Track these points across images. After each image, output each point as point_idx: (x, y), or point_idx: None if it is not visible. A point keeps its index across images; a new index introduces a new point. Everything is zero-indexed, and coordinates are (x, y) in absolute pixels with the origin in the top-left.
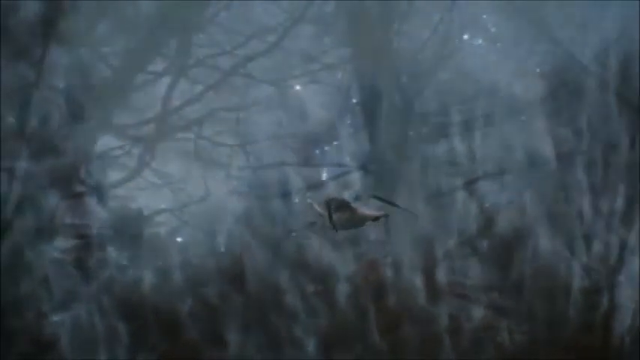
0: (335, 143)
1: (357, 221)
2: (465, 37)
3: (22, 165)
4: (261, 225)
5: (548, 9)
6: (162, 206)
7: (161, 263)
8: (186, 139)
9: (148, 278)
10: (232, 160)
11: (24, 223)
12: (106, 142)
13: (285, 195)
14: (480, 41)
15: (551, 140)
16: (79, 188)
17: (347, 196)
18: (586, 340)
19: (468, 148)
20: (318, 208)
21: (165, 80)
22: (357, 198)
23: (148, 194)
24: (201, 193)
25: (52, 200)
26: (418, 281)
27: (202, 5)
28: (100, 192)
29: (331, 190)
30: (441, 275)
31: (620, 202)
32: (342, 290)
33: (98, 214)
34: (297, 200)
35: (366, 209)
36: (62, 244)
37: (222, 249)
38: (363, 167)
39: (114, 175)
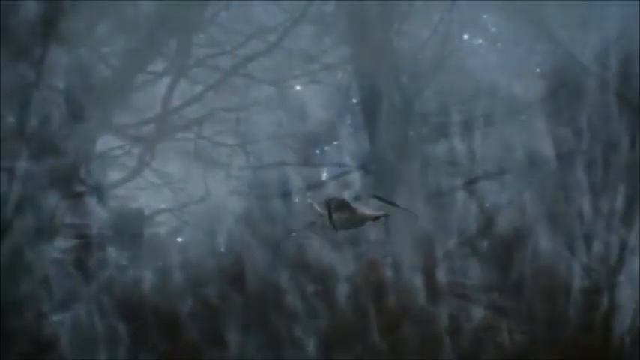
0: (335, 143)
1: (357, 221)
2: (465, 37)
3: (23, 165)
4: (262, 225)
5: (548, 9)
6: (163, 206)
7: (161, 263)
8: (187, 139)
9: (148, 278)
10: (232, 160)
11: (24, 223)
12: (106, 142)
13: (285, 195)
14: (480, 41)
15: (552, 140)
16: (79, 188)
17: (347, 196)
18: (586, 340)
19: (468, 148)
20: (318, 208)
21: (166, 80)
22: (356, 198)
23: (148, 194)
24: (202, 193)
25: (52, 200)
26: (418, 281)
27: (202, 5)
28: (100, 192)
29: (331, 190)
30: (441, 275)
31: (620, 202)
32: (343, 290)
33: (98, 214)
34: (297, 200)
35: (366, 209)
36: (62, 244)
37: (223, 249)
38: (363, 167)
39: (114, 175)
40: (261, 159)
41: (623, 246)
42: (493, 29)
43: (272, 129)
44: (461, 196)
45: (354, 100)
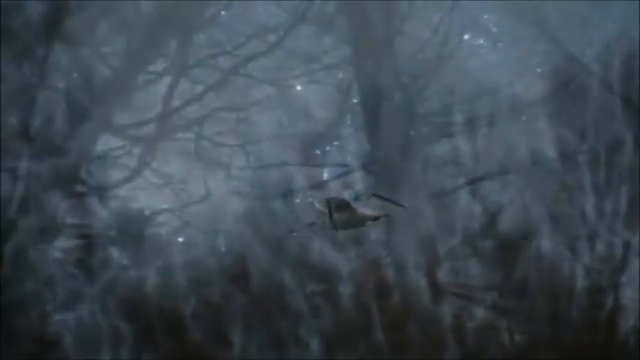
0: (336, 143)
1: (357, 221)
2: (466, 37)
3: (25, 165)
4: (263, 225)
5: (548, 9)
6: (163, 206)
7: (162, 263)
8: (187, 139)
9: (150, 278)
10: (233, 160)
11: (27, 223)
12: (107, 142)
13: (286, 195)
14: (481, 41)
15: (553, 140)
16: (81, 188)
17: (347, 195)
18: (589, 340)
19: (470, 148)
20: (319, 206)
21: (166, 80)
22: (356, 198)
23: (149, 194)
24: (202, 193)
25: (55, 200)
26: (420, 281)
27: (203, 5)
28: (101, 192)
29: (332, 190)
30: (444, 275)
31: (622, 202)
32: (344, 290)
33: (100, 214)
34: (298, 200)
35: (366, 209)
36: (64, 244)
37: (224, 249)
38: (364, 167)
39: (114, 175)
40: (262, 159)
41: (626, 246)
42: (494, 29)
43: (272, 129)
44: (463, 195)
45: (355, 100)
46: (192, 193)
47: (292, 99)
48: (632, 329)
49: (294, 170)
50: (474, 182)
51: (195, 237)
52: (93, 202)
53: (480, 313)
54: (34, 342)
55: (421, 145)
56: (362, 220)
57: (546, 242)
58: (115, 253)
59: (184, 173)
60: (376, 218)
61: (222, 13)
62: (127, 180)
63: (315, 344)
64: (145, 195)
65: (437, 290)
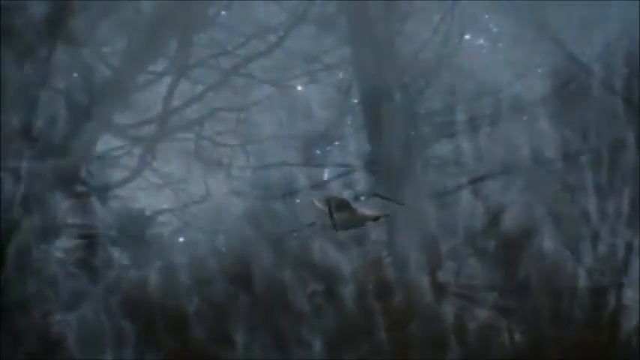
0: (336, 143)
1: (357, 221)
2: (467, 37)
3: (28, 165)
4: (263, 225)
5: (549, 9)
6: (164, 206)
7: (163, 263)
8: (187, 139)
9: (152, 278)
10: (233, 160)
11: (30, 223)
12: (107, 142)
13: (287, 195)
14: (482, 41)
15: (555, 140)
16: (83, 188)
17: (347, 195)
18: (592, 341)
19: (471, 147)
20: (319, 205)
21: (166, 80)
22: (356, 198)
23: (149, 194)
24: (202, 193)
25: (56, 200)
26: (422, 281)
27: (203, 5)
28: (102, 192)
29: (333, 190)
30: (446, 275)
31: (624, 202)
32: (345, 290)
33: (101, 215)
34: (298, 200)
35: (366, 209)
36: (67, 244)
37: (225, 249)
38: (365, 167)
39: (115, 175)
40: (262, 159)
41: (629, 247)
42: (495, 29)
43: (273, 129)
44: (464, 195)
45: (355, 100)
46: (192, 193)
47: (292, 99)
48: (635, 329)
49: (295, 170)
50: (475, 182)
51: (196, 237)
52: (94, 202)
53: (482, 313)
54: (37, 342)
55: (422, 145)
56: (362, 220)
57: (548, 242)
58: (116, 253)
59: (184, 173)
60: (376, 218)
61: (223, 13)
62: (127, 180)
63: (316, 344)
64: (145, 195)
65: (438, 290)
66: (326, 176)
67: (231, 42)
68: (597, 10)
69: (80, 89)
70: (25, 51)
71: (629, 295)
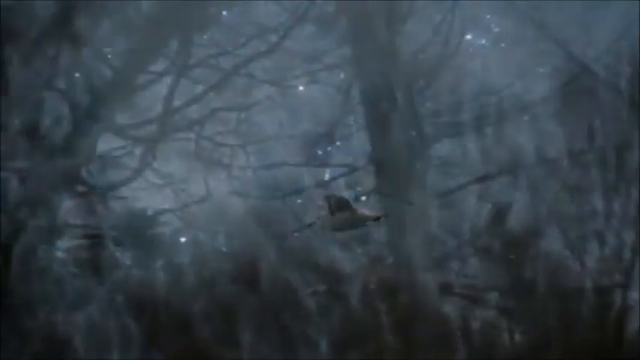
0: (337, 143)
1: (357, 221)
2: (468, 37)
3: (32, 165)
4: (264, 225)
5: (550, 9)
6: (165, 206)
7: (165, 263)
8: (188, 139)
9: (155, 278)
10: (234, 160)
11: (35, 223)
12: (108, 142)
13: (288, 195)
14: (483, 41)
15: (558, 140)
16: (87, 188)
17: (347, 195)
18: (597, 341)
19: (473, 147)
20: (320, 203)
21: (167, 80)
22: (357, 198)
23: (150, 194)
24: (203, 193)
25: (61, 201)
26: (425, 281)
27: (204, 5)
28: (103, 192)
29: (334, 190)
30: (449, 274)
31: (630, 202)
32: (346, 290)
33: (102, 215)
34: (299, 200)
35: (366, 209)
36: (69, 244)
37: (226, 249)
38: (366, 167)
39: (117, 176)
40: (263, 159)
41: (635, 247)
42: (496, 29)
43: (274, 129)
44: (466, 195)
45: (356, 100)
46: (193, 193)
47: (293, 99)
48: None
49: (296, 170)
50: (477, 182)
51: (197, 237)
52: (95, 202)
53: (488, 312)
54: (43, 341)
55: (423, 145)
56: (362, 220)
57: (552, 242)
58: (118, 253)
59: (185, 173)
60: (377, 218)
61: (224, 13)
62: (128, 180)
63: (320, 344)
64: (146, 195)
65: (443, 290)
66: (327, 176)
67: (231, 42)
68: (599, 10)
69: (82, 89)
70: (29, 51)
71: (634, 295)
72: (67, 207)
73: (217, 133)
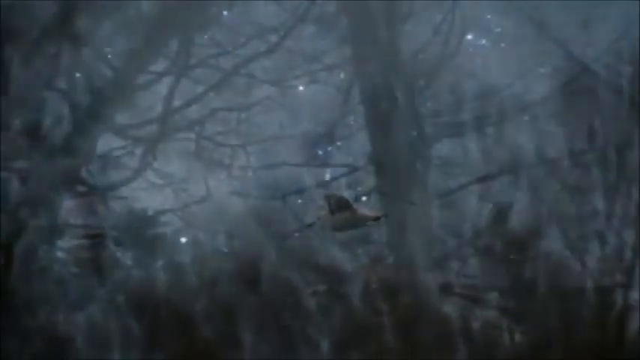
0: (338, 143)
1: (357, 221)
2: (469, 37)
3: (33, 165)
4: (264, 225)
5: (550, 9)
6: (165, 206)
7: (166, 263)
8: (188, 139)
9: (156, 278)
10: (234, 161)
11: (36, 223)
12: (109, 142)
13: (289, 195)
14: (484, 41)
15: (558, 140)
16: (88, 189)
17: (347, 195)
18: (598, 341)
19: (474, 147)
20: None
21: (167, 80)
22: (357, 199)
23: (151, 194)
24: (203, 193)
25: (61, 201)
26: (427, 281)
27: (204, 5)
28: (104, 192)
29: (334, 190)
30: (450, 274)
31: (631, 202)
32: (346, 290)
33: (103, 215)
34: (300, 201)
35: (366, 209)
36: (71, 244)
37: (226, 249)
38: (366, 167)
39: (117, 176)
40: (263, 159)
41: (635, 247)
42: (497, 29)
43: (274, 129)
44: (467, 195)
45: (357, 100)
46: (193, 193)
47: (293, 99)
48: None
49: (296, 170)
50: (478, 182)
51: (197, 237)
52: (95, 202)
53: (486, 313)
54: (44, 342)
55: (423, 144)
56: (362, 220)
57: (553, 242)
58: (119, 253)
59: (185, 173)
60: (377, 218)
61: (225, 13)
62: (128, 180)
63: (318, 344)
64: (146, 195)
65: (442, 290)
66: (328, 176)
67: (231, 42)
68: (600, 10)
69: (82, 89)
70: (30, 51)
71: (634, 296)
72: (68, 207)
73: (217, 133)
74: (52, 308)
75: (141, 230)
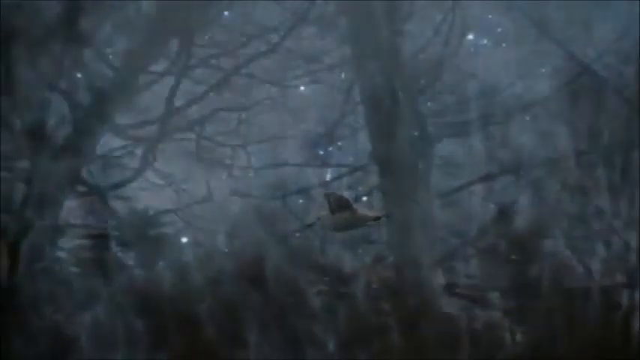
0: (338, 143)
1: (357, 221)
2: (470, 37)
3: (30, 166)
4: (266, 225)
5: (551, 8)
6: (166, 207)
7: (168, 263)
8: (189, 139)
9: (158, 278)
10: (235, 161)
11: (41, 223)
12: (110, 142)
13: (289, 195)
14: (485, 41)
15: (560, 139)
16: (88, 189)
17: (347, 195)
18: (604, 341)
19: (474, 147)
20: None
21: (167, 80)
22: (357, 199)
23: (151, 194)
24: (204, 193)
25: (59, 201)
26: (428, 281)
27: (205, 6)
28: (107, 192)
29: (335, 190)
30: (452, 274)
31: (635, 202)
32: (349, 290)
33: (107, 215)
34: (301, 201)
35: (367, 209)
36: (74, 244)
37: (227, 249)
38: (367, 167)
39: (117, 176)
40: (264, 159)
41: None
42: (498, 29)
43: (274, 129)
44: (468, 195)
45: (357, 100)
46: (194, 193)
47: (294, 99)
48: None
49: (297, 170)
50: (479, 182)
51: (198, 237)
52: (97, 202)
53: (489, 313)
54: (49, 342)
55: (425, 144)
56: (362, 220)
57: (556, 242)
58: (121, 253)
59: (186, 173)
60: (377, 218)
61: (225, 13)
62: (129, 180)
63: (322, 343)
64: (147, 195)
65: (445, 290)
66: (329, 176)
67: (232, 42)
68: (600, 10)
69: (84, 90)
70: (33, 52)
71: (639, 296)
72: (70, 207)
73: (218, 133)
74: (57, 308)
75: (143, 230)
